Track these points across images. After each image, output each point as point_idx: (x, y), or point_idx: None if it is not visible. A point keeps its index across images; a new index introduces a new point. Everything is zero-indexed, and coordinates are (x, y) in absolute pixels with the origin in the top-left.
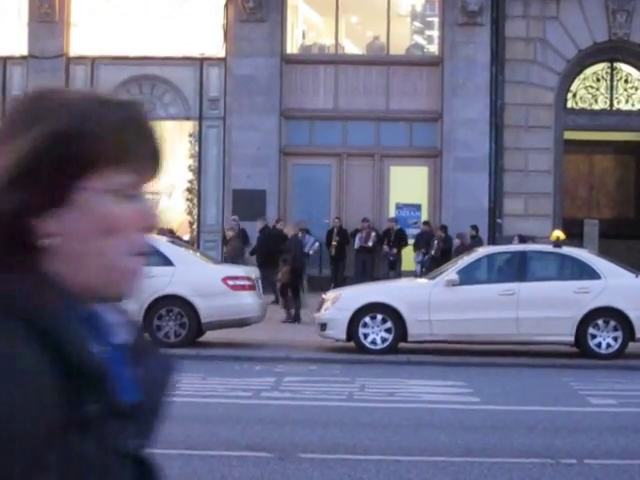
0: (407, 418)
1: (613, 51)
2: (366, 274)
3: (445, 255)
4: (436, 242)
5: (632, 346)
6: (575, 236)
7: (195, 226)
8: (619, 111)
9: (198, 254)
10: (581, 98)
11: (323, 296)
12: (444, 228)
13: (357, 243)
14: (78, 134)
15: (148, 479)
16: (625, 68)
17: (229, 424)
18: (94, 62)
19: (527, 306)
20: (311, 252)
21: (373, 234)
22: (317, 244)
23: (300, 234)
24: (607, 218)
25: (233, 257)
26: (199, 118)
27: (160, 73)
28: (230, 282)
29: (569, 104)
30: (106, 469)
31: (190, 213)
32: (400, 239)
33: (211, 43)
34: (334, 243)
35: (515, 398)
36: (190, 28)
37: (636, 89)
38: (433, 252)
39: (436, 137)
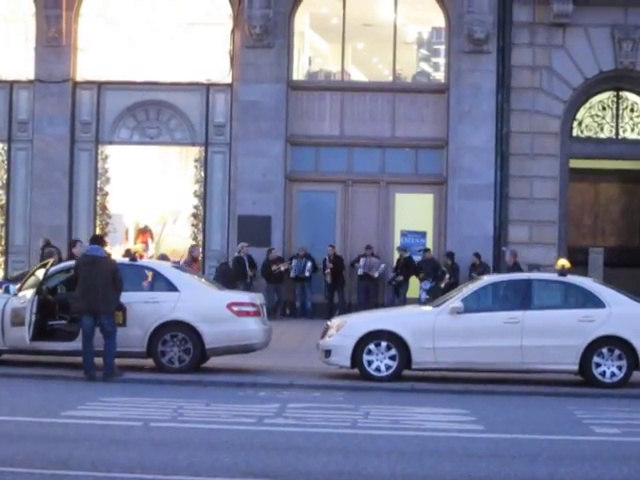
0: (411, 446)
1: (619, 80)
2: (370, 301)
3: (454, 285)
4: (447, 275)
5: (637, 375)
6: (580, 264)
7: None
8: (625, 140)
9: (203, 280)
10: (587, 126)
11: (328, 323)
12: (451, 255)
13: (361, 270)
14: None
15: None
16: (631, 97)
17: (233, 450)
18: (101, 87)
19: (531, 334)
20: (307, 273)
21: (382, 266)
22: (310, 264)
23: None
24: (612, 246)
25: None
26: (205, 144)
27: (166, 98)
28: (235, 308)
29: (575, 132)
30: None
31: (195, 239)
32: (408, 266)
33: (217, 69)
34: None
35: (519, 426)
36: (196, 54)
37: None
38: (443, 285)
39: (441, 164)
